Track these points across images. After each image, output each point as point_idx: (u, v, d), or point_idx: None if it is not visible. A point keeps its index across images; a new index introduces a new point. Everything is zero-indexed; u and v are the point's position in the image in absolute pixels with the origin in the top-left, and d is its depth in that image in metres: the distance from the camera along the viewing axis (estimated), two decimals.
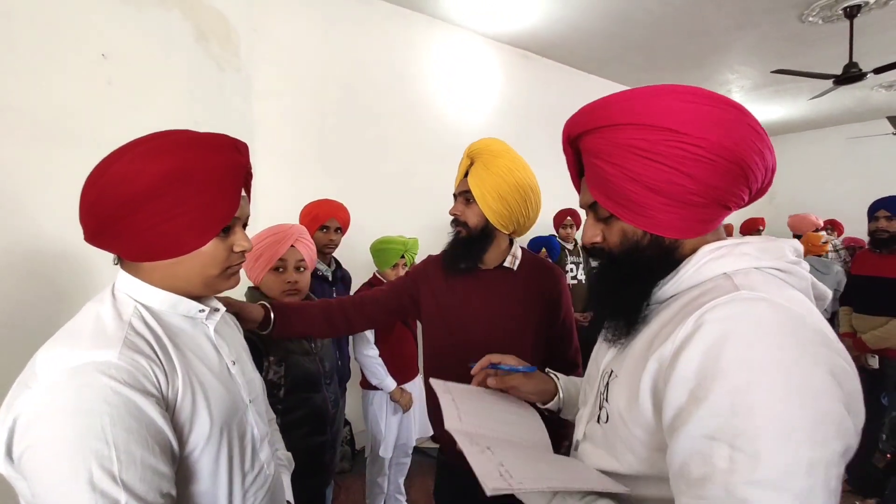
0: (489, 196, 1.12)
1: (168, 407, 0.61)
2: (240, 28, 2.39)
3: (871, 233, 2.43)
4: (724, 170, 0.55)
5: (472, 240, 1.16)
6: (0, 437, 0.53)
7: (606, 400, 0.63)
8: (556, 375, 0.89)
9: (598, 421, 0.65)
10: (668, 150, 0.55)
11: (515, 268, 1.20)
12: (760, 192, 0.61)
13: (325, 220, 2.02)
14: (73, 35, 1.52)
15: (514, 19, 3.28)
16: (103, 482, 0.51)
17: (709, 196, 0.56)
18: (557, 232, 3.39)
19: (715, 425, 0.46)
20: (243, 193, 0.72)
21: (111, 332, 0.59)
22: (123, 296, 0.67)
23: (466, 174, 1.17)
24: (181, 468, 0.63)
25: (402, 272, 2.12)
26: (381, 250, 2.13)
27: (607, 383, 0.65)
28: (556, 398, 0.85)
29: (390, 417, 2.08)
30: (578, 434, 0.71)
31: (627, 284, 0.63)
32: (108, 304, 0.64)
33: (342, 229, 2.10)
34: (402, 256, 2.11)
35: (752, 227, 4.81)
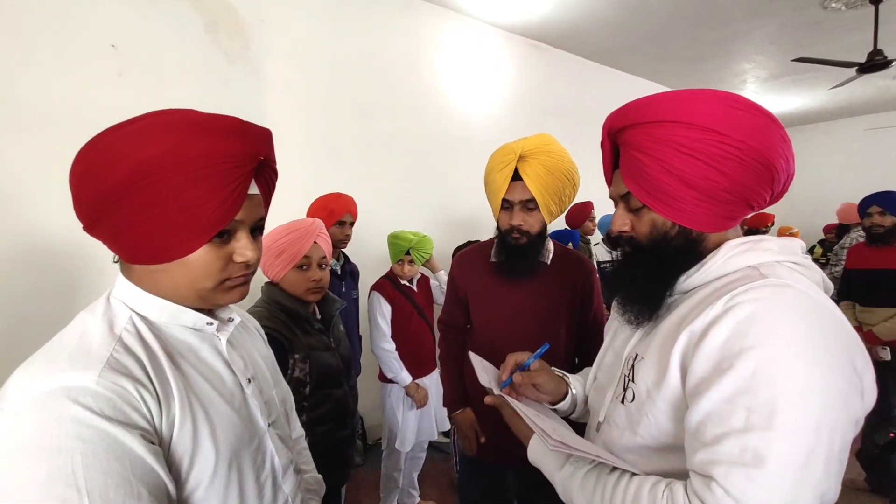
0: (551, 201, 1.09)
1: (161, 440, 0.52)
2: (249, 19, 2.36)
3: (865, 229, 2.47)
4: (755, 171, 0.60)
5: (531, 245, 1.14)
6: None
7: (632, 380, 0.67)
8: (565, 375, 0.91)
9: (623, 401, 0.69)
10: (707, 149, 0.59)
11: (549, 261, 1.18)
12: (779, 195, 0.67)
13: (342, 216, 2.00)
14: (82, 25, 1.50)
15: (525, 9, 3.22)
16: None
17: (737, 193, 0.61)
18: (581, 226, 3.33)
19: (735, 390, 0.52)
20: (254, 191, 0.59)
21: (95, 350, 0.50)
22: (118, 303, 0.57)
23: (514, 176, 1.10)
24: None
25: (406, 269, 2.09)
26: (391, 244, 2.12)
27: (632, 366, 0.68)
28: (567, 397, 0.87)
29: (408, 411, 2.06)
30: (599, 416, 0.74)
31: (655, 270, 0.67)
32: (99, 313, 0.56)
33: (354, 223, 2.09)
34: (408, 253, 2.08)
35: (761, 222, 4.72)
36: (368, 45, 2.86)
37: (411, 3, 3.03)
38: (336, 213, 1.99)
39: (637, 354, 0.69)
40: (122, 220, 0.53)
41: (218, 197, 0.53)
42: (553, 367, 0.91)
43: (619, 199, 0.72)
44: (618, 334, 0.79)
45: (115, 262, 0.61)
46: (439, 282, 2.31)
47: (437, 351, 1.49)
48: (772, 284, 0.56)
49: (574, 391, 0.87)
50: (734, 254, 0.63)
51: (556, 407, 0.88)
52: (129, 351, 0.52)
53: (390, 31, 2.96)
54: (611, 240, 0.74)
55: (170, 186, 0.51)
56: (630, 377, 0.68)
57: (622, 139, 0.68)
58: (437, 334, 1.77)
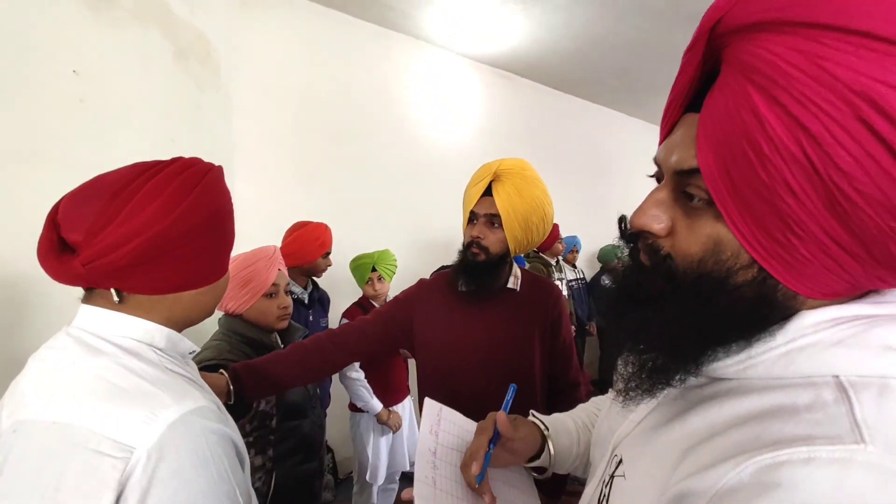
0: (517, 225, 1.08)
1: None
2: (220, 47, 2.36)
3: None
4: None
5: (489, 265, 1.12)
6: None
7: (607, 498, 0.44)
8: (542, 422, 0.70)
9: None
10: None
11: (518, 288, 1.18)
12: None
13: (329, 246, 2.00)
14: (43, 51, 1.47)
15: (494, 41, 3.36)
16: None
17: None
18: (550, 248, 3.35)
19: None
20: None
21: (168, 379, 0.57)
22: (127, 340, 0.58)
23: (486, 193, 1.11)
24: None
25: (377, 286, 2.09)
26: (355, 268, 2.12)
27: (612, 475, 0.44)
28: (544, 453, 0.67)
29: (378, 441, 2.01)
30: (589, 487, 0.53)
31: (685, 320, 0.36)
32: (108, 352, 0.55)
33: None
34: (374, 269, 2.08)
35: None
36: (339, 73, 2.91)
37: (382, 33, 3.12)
38: (326, 244, 1.99)
39: (621, 459, 0.44)
40: (187, 254, 0.60)
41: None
42: (531, 411, 0.74)
43: (669, 172, 0.39)
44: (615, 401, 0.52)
45: (84, 300, 0.60)
46: None
47: (409, 377, 1.45)
48: (867, 466, 0.26)
49: (551, 449, 0.66)
50: (819, 340, 0.32)
51: (535, 465, 0.68)
52: (176, 374, 0.60)
53: (362, 61, 3.02)
54: (625, 236, 0.43)
55: (229, 225, 0.67)
56: (607, 488, 0.44)
57: (734, 52, 0.32)
58: (410, 360, 1.72)
